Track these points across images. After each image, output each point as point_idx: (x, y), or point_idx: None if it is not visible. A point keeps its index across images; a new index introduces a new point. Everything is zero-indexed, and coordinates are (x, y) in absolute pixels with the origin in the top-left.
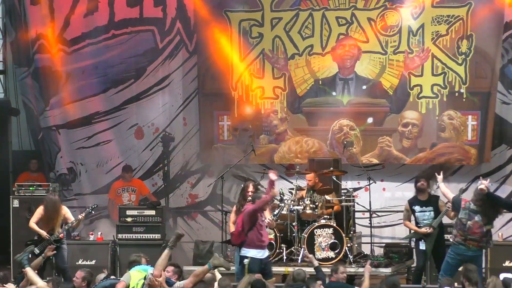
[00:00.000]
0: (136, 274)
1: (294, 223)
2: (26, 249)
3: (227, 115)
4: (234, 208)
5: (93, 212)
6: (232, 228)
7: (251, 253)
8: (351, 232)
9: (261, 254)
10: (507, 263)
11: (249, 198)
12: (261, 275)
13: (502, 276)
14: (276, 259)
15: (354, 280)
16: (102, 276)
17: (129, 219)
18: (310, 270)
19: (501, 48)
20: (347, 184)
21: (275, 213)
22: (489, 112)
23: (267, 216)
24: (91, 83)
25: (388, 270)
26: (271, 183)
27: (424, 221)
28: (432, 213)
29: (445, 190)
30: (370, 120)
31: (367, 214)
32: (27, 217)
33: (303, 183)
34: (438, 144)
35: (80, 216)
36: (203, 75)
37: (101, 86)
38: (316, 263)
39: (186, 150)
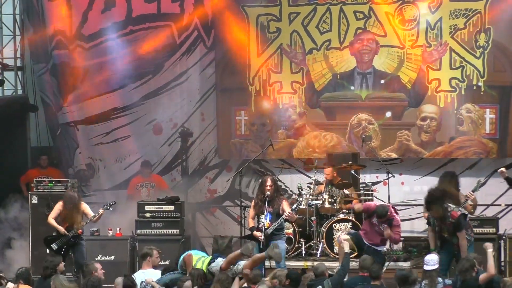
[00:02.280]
0: (194, 256)
1: (312, 218)
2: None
3: (245, 110)
4: (253, 203)
5: (111, 208)
6: (251, 223)
7: None
8: None
9: None
10: None
11: (267, 193)
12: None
13: None
14: (295, 253)
15: None
16: (120, 279)
17: (147, 215)
18: (329, 264)
19: None
20: (366, 178)
21: (294, 207)
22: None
23: (286, 209)
24: (109, 79)
25: (407, 264)
26: None
27: None
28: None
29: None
30: (388, 114)
31: None
32: (46, 213)
33: (321, 178)
34: (457, 138)
35: (100, 211)
36: (220, 70)
37: (119, 82)
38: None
39: (204, 145)
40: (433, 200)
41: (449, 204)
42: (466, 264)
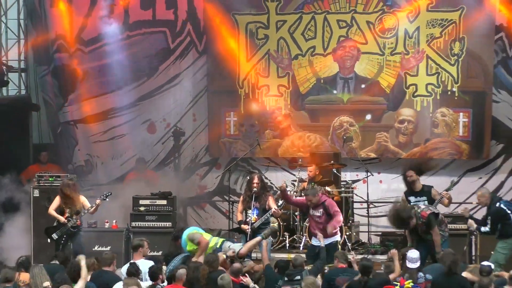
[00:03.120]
0: (205, 235)
1: (296, 213)
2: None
3: (234, 112)
4: (241, 198)
5: (107, 199)
6: (239, 217)
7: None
8: (350, 222)
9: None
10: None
11: (254, 189)
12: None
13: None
14: (280, 246)
15: (352, 266)
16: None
17: (142, 208)
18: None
19: (493, 50)
20: (346, 176)
21: (279, 204)
22: (486, 111)
23: (272, 205)
24: (107, 81)
25: (384, 257)
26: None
27: None
28: (426, 202)
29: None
30: (368, 117)
31: (365, 205)
32: (46, 205)
33: (305, 175)
34: (432, 140)
35: (97, 202)
36: (212, 73)
37: (116, 84)
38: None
39: (195, 144)
40: (400, 222)
41: (419, 206)
42: (450, 258)
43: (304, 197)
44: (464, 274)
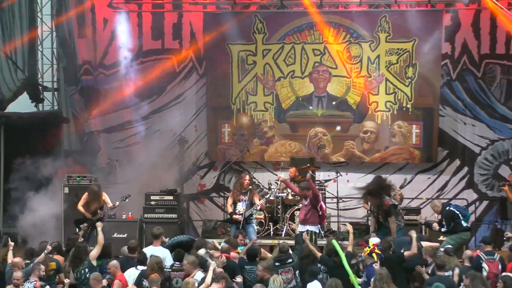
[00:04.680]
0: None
1: (279, 206)
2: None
3: (228, 124)
4: (231, 193)
5: (126, 200)
6: (229, 209)
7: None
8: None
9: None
10: (441, 238)
11: (245, 185)
12: None
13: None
14: (266, 234)
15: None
16: (125, 248)
17: (152, 203)
18: (290, 242)
19: (440, 74)
20: (320, 177)
21: (267, 197)
22: (434, 123)
23: (257, 201)
24: (124, 98)
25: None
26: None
27: None
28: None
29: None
30: (338, 128)
31: (335, 200)
32: (74, 201)
33: (286, 176)
34: (390, 147)
35: (116, 203)
36: (210, 92)
37: (132, 101)
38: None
39: (196, 150)
40: (371, 193)
41: (384, 195)
42: (385, 244)
43: (298, 189)
44: (424, 243)
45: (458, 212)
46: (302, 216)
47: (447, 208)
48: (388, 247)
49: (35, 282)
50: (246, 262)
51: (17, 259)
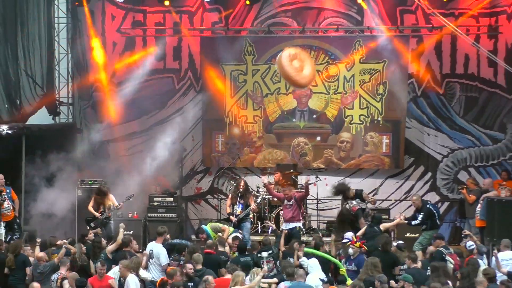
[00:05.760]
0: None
1: (266, 207)
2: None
3: (222, 134)
4: (229, 196)
5: (130, 199)
6: (228, 210)
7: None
8: (304, 213)
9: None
10: (408, 235)
11: (241, 190)
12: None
13: (396, 243)
14: (254, 231)
15: (306, 244)
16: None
17: (155, 204)
18: (273, 238)
19: (407, 91)
20: (302, 181)
21: (258, 201)
22: (401, 134)
23: (252, 204)
24: (130, 112)
25: (329, 239)
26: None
27: None
28: (358, 200)
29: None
30: (318, 138)
31: (315, 201)
32: (86, 201)
33: (272, 180)
34: (363, 155)
35: (121, 203)
36: (206, 107)
37: (137, 114)
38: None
39: (194, 157)
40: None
41: (351, 202)
42: (386, 239)
43: (282, 192)
44: (382, 226)
45: (435, 211)
46: (289, 215)
47: (428, 206)
48: (387, 242)
49: (59, 274)
50: (241, 256)
51: (41, 254)
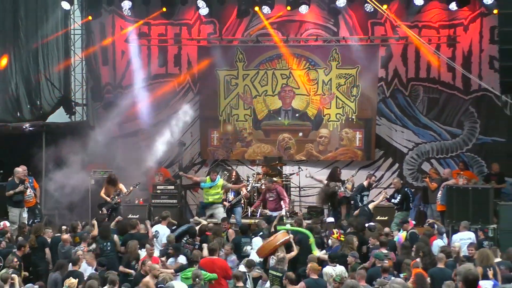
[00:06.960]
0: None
1: (255, 194)
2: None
3: (216, 130)
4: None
5: (137, 187)
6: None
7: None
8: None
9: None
10: (378, 218)
11: (233, 179)
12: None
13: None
14: (245, 215)
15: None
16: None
17: (158, 191)
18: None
19: (377, 92)
20: (286, 171)
21: (249, 189)
22: (372, 130)
23: (244, 191)
24: (137, 111)
25: (309, 221)
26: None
27: None
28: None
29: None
30: (300, 134)
31: (297, 189)
32: (98, 189)
33: (260, 170)
34: (339, 148)
35: (130, 188)
36: (203, 107)
37: (143, 113)
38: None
39: (192, 151)
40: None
41: (340, 187)
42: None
43: (264, 187)
44: (370, 205)
45: (410, 195)
46: (273, 206)
47: (405, 189)
48: (361, 223)
49: (83, 248)
50: (242, 236)
51: (66, 236)
